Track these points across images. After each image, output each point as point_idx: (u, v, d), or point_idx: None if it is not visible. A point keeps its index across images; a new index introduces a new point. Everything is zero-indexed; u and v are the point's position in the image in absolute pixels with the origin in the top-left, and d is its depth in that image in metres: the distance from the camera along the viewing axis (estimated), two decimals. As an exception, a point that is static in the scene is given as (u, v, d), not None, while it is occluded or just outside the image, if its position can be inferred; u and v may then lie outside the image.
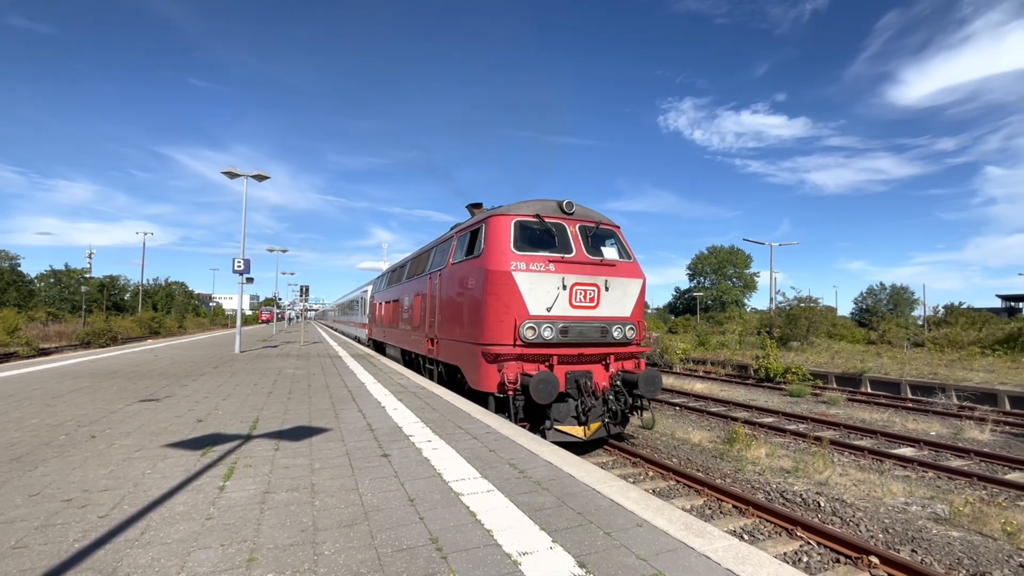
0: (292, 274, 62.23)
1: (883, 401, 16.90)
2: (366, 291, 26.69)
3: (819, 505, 7.00)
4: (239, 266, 17.68)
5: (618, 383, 8.49)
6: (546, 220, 8.61)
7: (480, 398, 8.49)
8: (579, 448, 8.81)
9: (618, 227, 9.60)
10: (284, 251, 36.78)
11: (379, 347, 20.76)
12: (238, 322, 18.77)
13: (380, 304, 20.36)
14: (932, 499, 7.43)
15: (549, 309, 7.97)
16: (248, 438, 5.51)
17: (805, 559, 5.48)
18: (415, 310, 12.97)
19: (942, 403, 16.42)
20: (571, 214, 8.93)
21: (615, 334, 8.53)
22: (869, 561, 5.18)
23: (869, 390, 19.68)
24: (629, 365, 8.92)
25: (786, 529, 6.08)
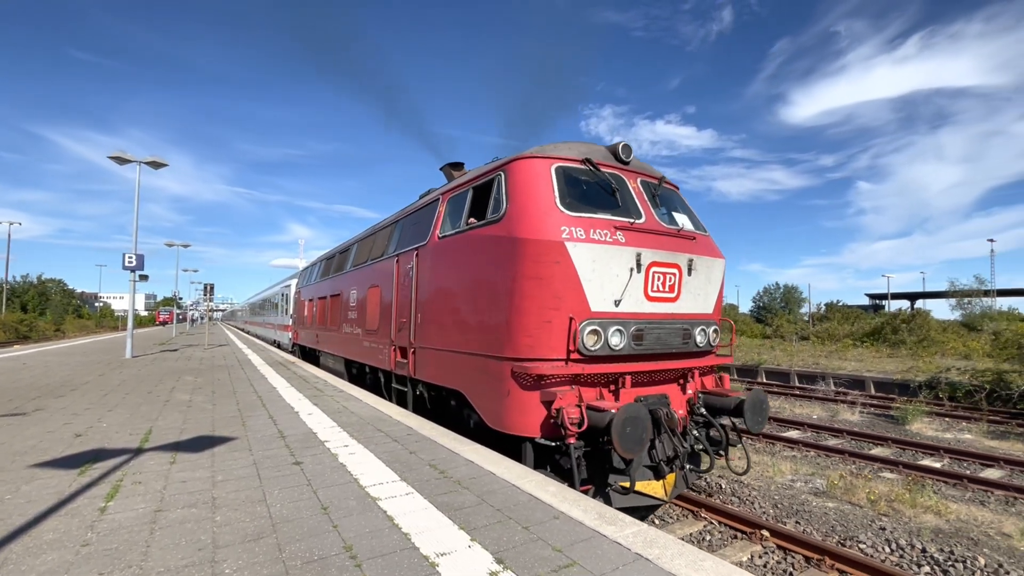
0: (195, 271, 56.98)
1: (776, 390, 18.75)
2: (289, 285, 22.64)
3: (721, 487, 7.62)
4: (130, 261, 15.91)
5: (701, 410, 5.91)
6: (601, 168, 5.76)
7: (505, 444, 5.46)
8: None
9: (677, 187, 6.87)
10: (186, 246, 33.67)
11: (310, 355, 17.05)
12: (129, 323, 16.88)
13: (310, 301, 16.23)
14: (813, 475, 8.36)
15: (618, 303, 5.11)
16: (138, 452, 4.98)
17: (708, 537, 5.94)
18: (368, 308, 9.53)
19: (822, 390, 18.54)
20: (628, 164, 6.12)
21: (698, 339, 5.86)
22: (761, 535, 5.72)
23: (764, 380, 21.73)
24: (709, 382, 6.36)
25: (692, 511, 6.55)
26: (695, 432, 5.81)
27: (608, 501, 5.10)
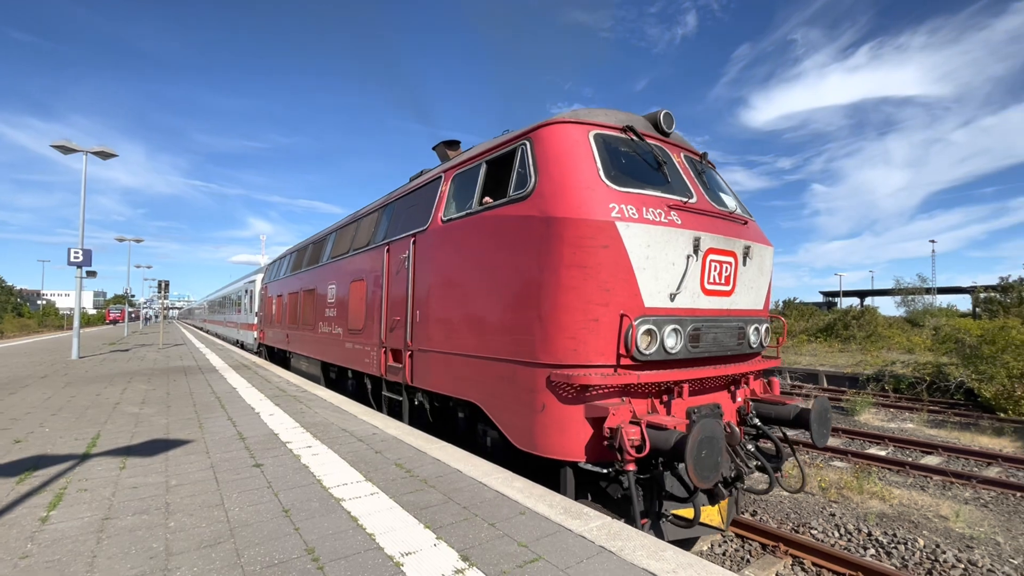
0: (149, 267, 54.27)
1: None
2: (254, 281, 21.01)
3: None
4: (77, 257, 15.06)
5: (755, 421, 5.06)
6: (645, 139, 4.98)
7: (530, 465, 4.75)
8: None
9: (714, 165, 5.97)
10: (139, 241, 32.05)
11: (278, 356, 15.50)
12: (75, 322, 15.98)
13: (278, 298, 14.66)
14: (770, 466, 8.71)
15: (673, 297, 4.35)
16: (85, 458, 4.72)
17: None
18: (351, 304, 8.42)
19: (779, 383, 19.34)
20: (669, 136, 5.32)
21: (751, 339, 5.19)
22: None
23: (725, 375, 22.47)
24: (757, 388, 5.57)
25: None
26: (749, 446, 4.93)
27: (661, 534, 4.33)
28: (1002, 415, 12.92)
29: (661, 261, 4.26)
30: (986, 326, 15.85)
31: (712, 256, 4.61)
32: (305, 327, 11.31)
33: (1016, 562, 5.57)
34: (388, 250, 7.13)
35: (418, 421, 6.71)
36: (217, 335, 34.02)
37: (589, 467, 4.18)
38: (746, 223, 5.32)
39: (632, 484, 3.94)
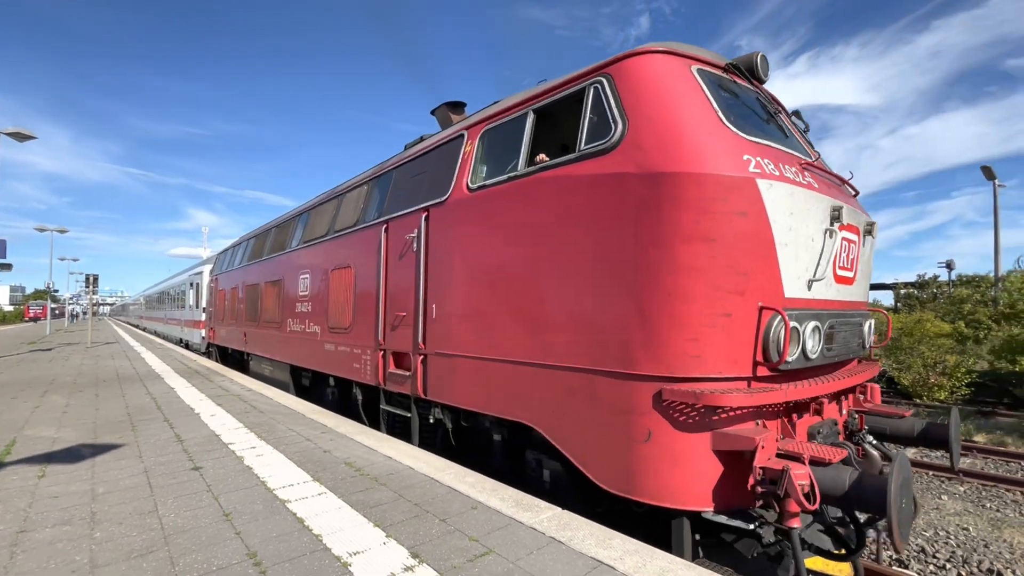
0: (75, 260, 50.23)
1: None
2: (200, 273, 19.00)
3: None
4: (-12, 248, 13.75)
5: (869, 439, 4.06)
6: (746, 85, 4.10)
7: (622, 514, 3.73)
8: None
9: None
10: (62, 231, 29.59)
11: (233, 359, 13.67)
12: (-12, 320, 14.57)
13: (233, 291, 12.81)
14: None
15: (811, 284, 3.44)
16: (-3, 466, 4.33)
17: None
18: (332, 297, 7.07)
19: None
20: (763, 84, 4.30)
21: (866, 338, 4.28)
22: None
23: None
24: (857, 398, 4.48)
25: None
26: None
27: None
28: (917, 400, 14.09)
29: (802, 235, 3.33)
30: (904, 320, 17.17)
31: (845, 232, 3.66)
32: (269, 325, 9.76)
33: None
34: (387, 229, 5.84)
35: (430, 442, 5.44)
36: (157, 333, 31.39)
37: (721, 519, 3.09)
38: (857, 195, 4.43)
39: (797, 547, 2.86)
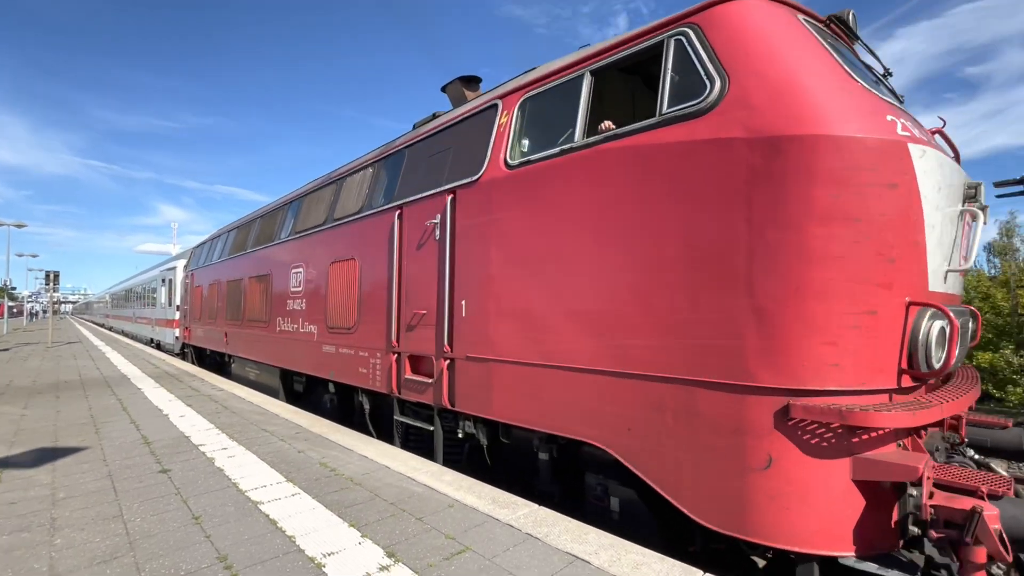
0: (35, 256, 47.97)
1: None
2: (173, 268, 17.81)
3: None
4: (-61, 243, 13.05)
5: (970, 453, 3.48)
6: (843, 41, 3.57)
7: (714, 554, 3.26)
8: None
9: None
10: (20, 226, 28.27)
11: (213, 361, 12.72)
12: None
13: (212, 287, 11.69)
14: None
15: (947, 276, 2.98)
16: (-52, 472, 4.13)
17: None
18: (333, 293, 6.34)
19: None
20: (854, 44, 3.68)
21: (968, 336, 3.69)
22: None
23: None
24: None
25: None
26: None
27: None
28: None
29: (946, 216, 2.83)
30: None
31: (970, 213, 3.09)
32: (254, 324, 8.85)
33: None
34: (400, 215, 5.14)
35: (455, 458, 4.80)
36: (124, 333, 29.70)
37: (870, 568, 2.64)
38: None
39: None
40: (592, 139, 3.45)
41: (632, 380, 3.09)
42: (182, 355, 15.02)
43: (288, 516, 3.26)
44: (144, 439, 5.18)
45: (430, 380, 4.64)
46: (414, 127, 5.82)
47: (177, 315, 16.20)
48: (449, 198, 4.50)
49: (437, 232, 4.63)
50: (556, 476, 4.02)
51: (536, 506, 3.46)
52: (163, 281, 19.21)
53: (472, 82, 5.70)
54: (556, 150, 3.66)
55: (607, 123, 3.58)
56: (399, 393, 5.10)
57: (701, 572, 2.57)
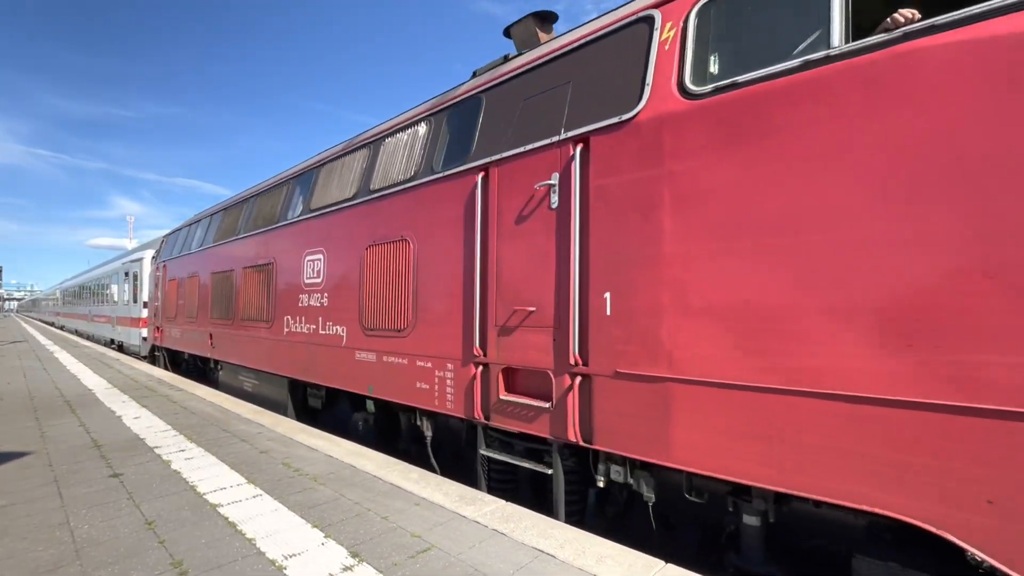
0: (-25, 250, 44.42)
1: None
2: (140, 260, 15.78)
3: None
4: None
5: None
6: None
7: None
8: None
9: None
10: (-42, 218, 26.47)
11: (192, 367, 11.15)
12: None
13: (191, 280, 10.04)
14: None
15: None
16: None
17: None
18: (371, 284, 5.06)
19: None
20: None
21: None
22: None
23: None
24: None
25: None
26: None
27: None
28: None
29: None
30: None
31: None
32: (251, 324, 7.40)
33: None
34: (486, 177, 3.94)
35: (579, 513, 3.69)
36: (78, 332, 27.50)
37: None
38: None
39: None
40: (876, 40, 2.26)
41: (996, 420, 1.93)
42: (152, 359, 13.28)
43: (248, 519, 3.17)
44: (94, 443, 4.95)
45: (544, 404, 3.42)
46: (475, 74, 4.60)
47: (145, 313, 14.58)
48: (577, 149, 3.29)
49: (553, 197, 3.43)
50: (779, 551, 2.88)
51: (503, 502, 3.47)
52: (127, 275, 17.22)
53: (547, 20, 4.49)
54: (796, 63, 2.47)
55: (907, 12, 2.28)
56: (486, 418, 3.83)
57: (663, 563, 2.63)
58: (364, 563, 2.64)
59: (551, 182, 3.44)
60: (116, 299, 18.89)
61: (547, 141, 3.52)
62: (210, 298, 8.95)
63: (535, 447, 3.69)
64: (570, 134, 3.37)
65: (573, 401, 3.25)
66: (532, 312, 3.52)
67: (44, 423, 5.76)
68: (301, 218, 6.40)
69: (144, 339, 14.42)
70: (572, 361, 3.21)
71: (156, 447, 4.77)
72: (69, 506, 3.37)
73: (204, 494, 3.58)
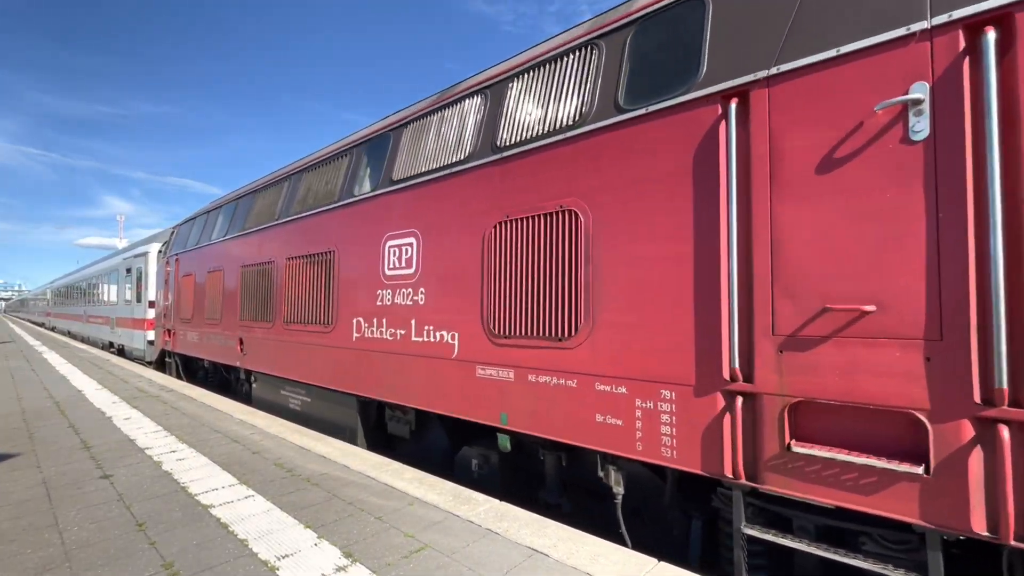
0: (-39, 249, 43.69)
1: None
2: (144, 254, 13.95)
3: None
4: None
5: None
6: None
7: None
8: None
9: None
10: (-57, 216, 26.00)
11: (213, 375, 9.80)
12: None
13: (212, 276, 8.46)
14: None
15: None
16: None
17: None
18: (490, 275, 3.81)
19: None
20: None
21: None
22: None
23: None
24: None
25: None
26: None
27: None
28: None
29: None
30: None
31: None
32: (300, 328, 5.96)
33: None
34: (743, 103, 2.64)
35: None
36: (70, 333, 25.83)
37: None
38: None
39: None
40: None
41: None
42: (161, 365, 11.44)
43: (240, 519, 3.15)
44: (83, 444, 4.89)
45: (901, 466, 2.08)
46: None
47: (151, 314, 12.77)
48: (981, 36, 2.01)
49: (918, 123, 2.14)
50: None
51: (497, 502, 3.47)
52: (128, 271, 15.31)
53: None
54: None
55: None
56: (750, 479, 2.51)
57: (655, 561, 2.64)
58: (357, 563, 2.63)
59: (915, 96, 2.13)
60: (115, 298, 17.23)
61: (898, 32, 2.21)
62: (239, 296, 7.49)
63: (844, 526, 2.40)
64: (954, 15, 2.08)
65: (983, 466, 1.96)
66: (869, 313, 2.23)
67: (32, 424, 5.69)
68: (378, 192, 5.06)
69: (151, 343, 12.76)
70: (978, 398, 1.96)
71: (147, 448, 4.73)
72: (58, 508, 3.34)
73: (196, 495, 3.56)
